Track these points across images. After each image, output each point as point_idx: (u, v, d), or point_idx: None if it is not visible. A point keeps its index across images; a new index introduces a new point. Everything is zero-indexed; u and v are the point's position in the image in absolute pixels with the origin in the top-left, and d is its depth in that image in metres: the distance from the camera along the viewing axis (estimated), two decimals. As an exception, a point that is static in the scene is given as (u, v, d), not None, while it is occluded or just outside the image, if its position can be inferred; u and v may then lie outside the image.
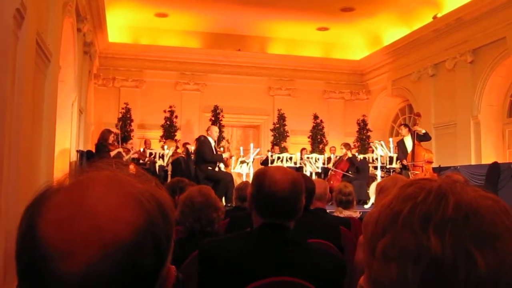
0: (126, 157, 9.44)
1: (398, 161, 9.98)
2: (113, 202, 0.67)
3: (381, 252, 0.68)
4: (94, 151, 10.09)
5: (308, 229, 2.66)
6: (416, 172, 9.12)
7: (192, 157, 10.49)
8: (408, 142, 9.69)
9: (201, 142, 9.57)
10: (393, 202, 0.71)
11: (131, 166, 0.75)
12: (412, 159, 9.31)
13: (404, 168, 9.70)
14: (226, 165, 10.69)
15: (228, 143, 10.70)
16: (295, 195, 1.92)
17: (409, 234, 0.66)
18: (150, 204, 0.69)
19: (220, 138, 12.33)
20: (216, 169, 9.44)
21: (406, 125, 10.24)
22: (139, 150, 11.20)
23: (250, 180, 8.66)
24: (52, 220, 0.65)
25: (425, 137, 9.58)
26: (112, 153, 9.23)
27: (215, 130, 9.83)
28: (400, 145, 9.99)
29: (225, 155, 10.38)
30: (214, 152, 9.51)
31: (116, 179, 0.71)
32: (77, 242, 0.63)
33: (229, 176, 9.58)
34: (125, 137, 11.41)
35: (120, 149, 9.68)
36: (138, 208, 0.67)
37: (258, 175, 2.00)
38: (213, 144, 9.54)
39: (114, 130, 10.84)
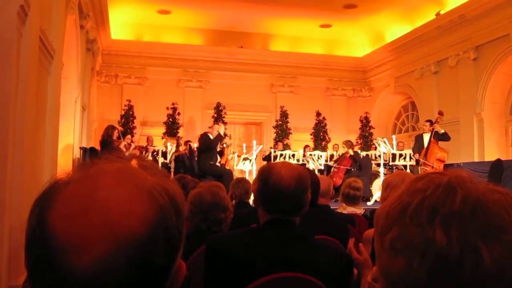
0: (127, 153, 9.44)
1: (415, 154, 9.98)
2: (125, 195, 0.65)
3: (389, 245, 0.68)
4: (98, 148, 10.11)
5: (314, 225, 2.66)
6: (426, 169, 9.13)
7: (195, 154, 10.54)
8: (427, 139, 9.72)
9: (201, 137, 9.75)
10: (402, 195, 0.71)
11: (134, 161, 0.74)
12: (425, 155, 9.32)
13: (417, 163, 9.72)
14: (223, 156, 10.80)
15: (230, 139, 10.78)
16: (301, 190, 1.91)
17: (416, 228, 0.66)
18: (162, 198, 0.68)
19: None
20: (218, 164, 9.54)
21: (431, 122, 10.14)
22: (140, 145, 11.22)
23: (253, 177, 8.65)
24: (63, 213, 0.64)
25: (444, 137, 9.59)
26: (121, 146, 9.33)
27: (215, 128, 9.91)
28: (418, 139, 10.02)
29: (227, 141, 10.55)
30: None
31: (127, 171, 0.69)
32: (89, 236, 0.62)
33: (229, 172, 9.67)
34: (124, 132, 11.38)
35: (125, 142, 9.74)
36: (150, 202, 0.66)
37: (263, 171, 1.99)
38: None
39: (118, 127, 10.85)
